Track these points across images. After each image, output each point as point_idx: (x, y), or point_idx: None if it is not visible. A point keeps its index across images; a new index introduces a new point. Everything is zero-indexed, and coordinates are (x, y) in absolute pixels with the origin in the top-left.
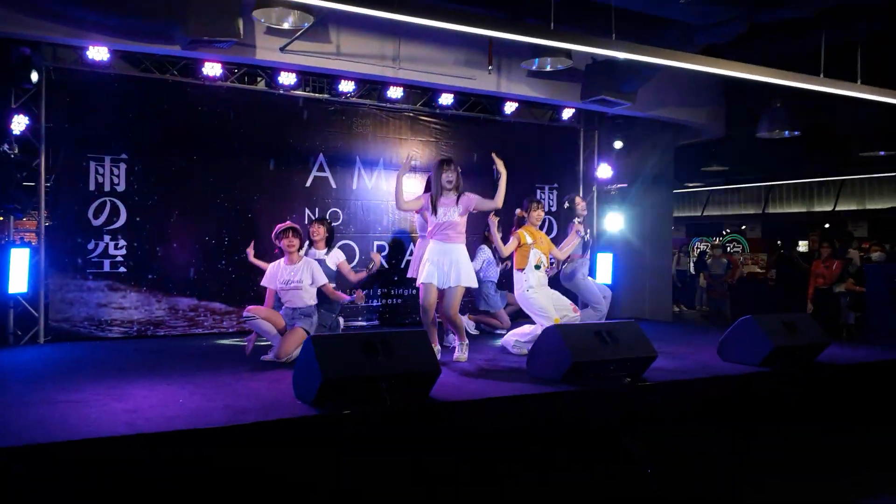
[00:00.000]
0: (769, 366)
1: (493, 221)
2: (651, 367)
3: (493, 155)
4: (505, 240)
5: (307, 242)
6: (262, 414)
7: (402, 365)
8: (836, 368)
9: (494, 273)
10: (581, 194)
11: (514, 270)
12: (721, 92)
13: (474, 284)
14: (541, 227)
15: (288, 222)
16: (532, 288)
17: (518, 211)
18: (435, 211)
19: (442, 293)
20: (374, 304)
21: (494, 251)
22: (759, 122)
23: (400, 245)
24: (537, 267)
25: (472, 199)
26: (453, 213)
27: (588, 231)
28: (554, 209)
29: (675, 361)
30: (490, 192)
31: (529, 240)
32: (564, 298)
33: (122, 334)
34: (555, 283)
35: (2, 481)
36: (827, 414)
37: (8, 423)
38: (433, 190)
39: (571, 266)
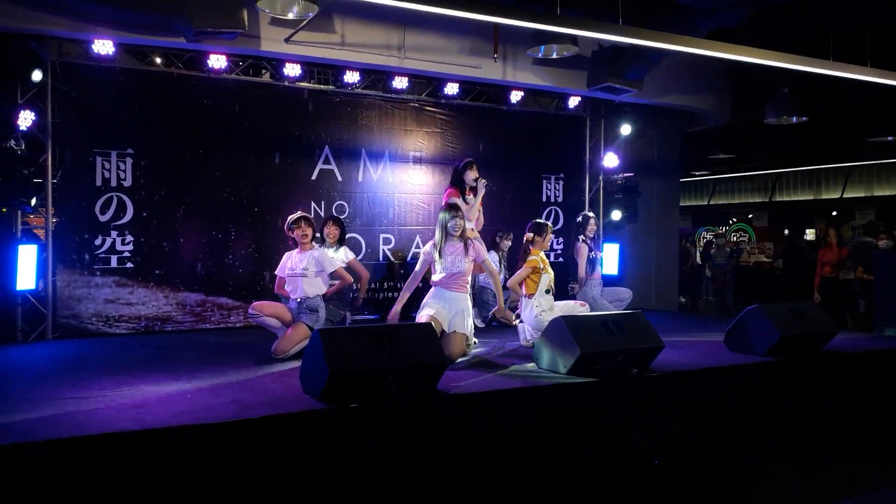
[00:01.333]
0: (776, 355)
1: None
2: (658, 358)
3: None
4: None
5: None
6: (270, 408)
7: (409, 358)
8: (844, 357)
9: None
10: (587, 184)
11: (523, 297)
12: (728, 78)
13: (473, 339)
14: (546, 218)
15: (300, 212)
16: (545, 311)
17: (527, 235)
18: (441, 256)
19: (444, 336)
20: (380, 297)
21: (501, 260)
22: (766, 109)
23: (406, 237)
24: (547, 291)
25: (482, 254)
26: (462, 262)
27: (594, 251)
28: (561, 199)
29: (682, 352)
30: (494, 185)
31: (541, 265)
32: (569, 302)
33: (129, 330)
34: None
35: (11, 478)
36: (834, 403)
37: (16, 420)
38: (439, 233)
39: (582, 291)
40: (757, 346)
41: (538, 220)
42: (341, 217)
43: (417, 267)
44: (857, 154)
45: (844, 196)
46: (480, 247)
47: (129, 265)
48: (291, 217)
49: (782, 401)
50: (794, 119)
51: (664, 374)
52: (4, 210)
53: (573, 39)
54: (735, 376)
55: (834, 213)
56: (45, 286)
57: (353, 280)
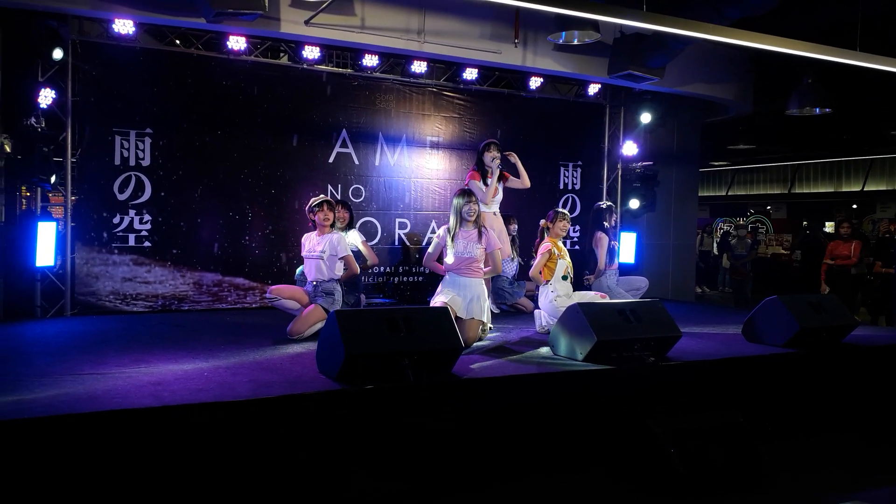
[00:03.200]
0: (795, 347)
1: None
2: (675, 347)
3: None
4: (525, 248)
5: None
6: (286, 388)
7: (425, 341)
8: (863, 350)
9: (510, 269)
10: (605, 172)
11: (542, 283)
12: (750, 68)
13: (489, 323)
14: (563, 205)
15: (322, 196)
16: (560, 297)
17: (542, 221)
18: (454, 241)
19: (460, 322)
20: (395, 281)
21: (514, 248)
22: (789, 99)
23: (422, 222)
24: (564, 277)
25: (493, 243)
26: (475, 248)
27: (612, 241)
28: (578, 187)
29: (699, 341)
30: (512, 171)
31: (556, 251)
32: (588, 293)
33: (146, 308)
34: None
35: (29, 452)
36: (853, 397)
37: (35, 395)
38: (456, 211)
39: (598, 281)
40: (775, 337)
41: (556, 209)
42: (357, 201)
43: (430, 249)
44: (879, 146)
45: (866, 189)
46: (494, 237)
47: (147, 244)
48: (314, 200)
49: (800, 393)
50: (818, 110)
51: (681, 363)
52: (28, 193)
53: (595, 25)
54: (753, 367)
55: (854, 206)
56: (63, 263)
57: (358, 270)
